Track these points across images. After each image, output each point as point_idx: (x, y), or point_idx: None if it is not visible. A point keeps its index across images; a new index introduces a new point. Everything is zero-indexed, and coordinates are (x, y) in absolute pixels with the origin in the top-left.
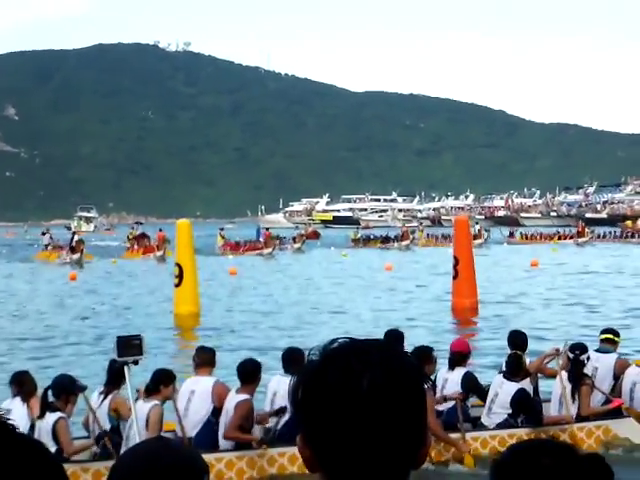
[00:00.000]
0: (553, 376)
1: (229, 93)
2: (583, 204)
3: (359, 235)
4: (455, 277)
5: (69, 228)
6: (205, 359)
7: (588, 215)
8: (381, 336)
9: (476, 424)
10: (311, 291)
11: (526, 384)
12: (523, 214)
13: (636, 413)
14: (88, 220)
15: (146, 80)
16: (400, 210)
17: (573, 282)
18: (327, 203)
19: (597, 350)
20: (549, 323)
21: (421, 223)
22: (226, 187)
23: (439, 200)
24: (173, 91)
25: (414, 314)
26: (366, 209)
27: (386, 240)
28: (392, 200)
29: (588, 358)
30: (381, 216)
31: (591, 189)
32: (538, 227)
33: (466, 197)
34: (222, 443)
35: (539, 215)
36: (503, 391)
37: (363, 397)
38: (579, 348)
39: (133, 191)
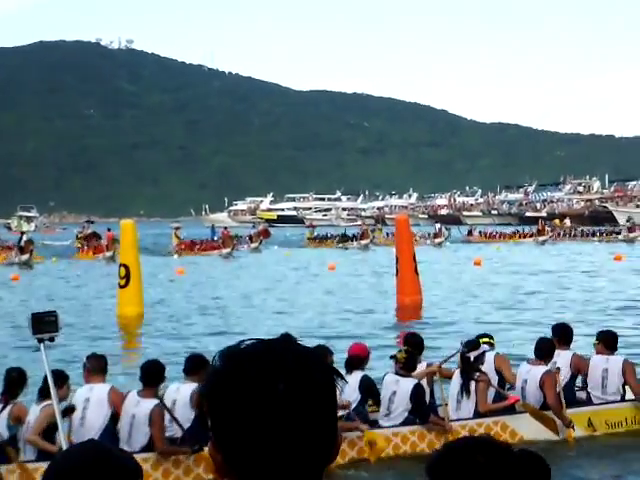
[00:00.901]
0: (450, 377)
1: (172, 91)
2: (523, 203)
3: (315, 234)
4: (396, 275)
5: (9, 228)
6: (97, 366)
7: (528, 214)
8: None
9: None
10: (255, 292)
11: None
12: (465, 212)
13: (531, 409)
14: (29, 219)
15: (89, 78)
16: (344, 209)
17: (518, 281)
18: (271, 202)
19: None
20: (490, 322)
21: (382, 221)
22: (170, 186)
23: (383, 199)
24: (116, 89)
25: (355, 313)
26: (310, 208)
27: (344, 239)
28: (336, 199)
29: (483, 354)
30: (325, 215)
31: (531, 188)
32: (480, 225)
33: (409, 196)
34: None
35: (480, 213)
36: (400, 388)
37: (280, 399)
38: (467, 344)
39: (75, 190)
